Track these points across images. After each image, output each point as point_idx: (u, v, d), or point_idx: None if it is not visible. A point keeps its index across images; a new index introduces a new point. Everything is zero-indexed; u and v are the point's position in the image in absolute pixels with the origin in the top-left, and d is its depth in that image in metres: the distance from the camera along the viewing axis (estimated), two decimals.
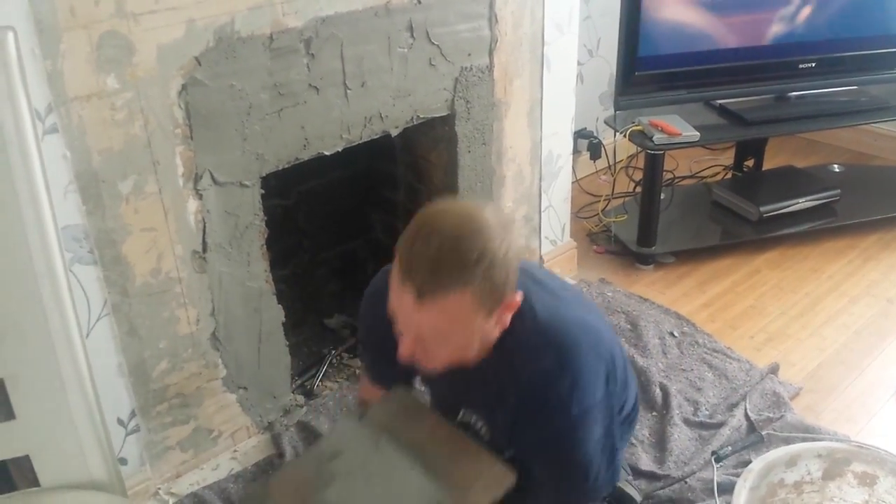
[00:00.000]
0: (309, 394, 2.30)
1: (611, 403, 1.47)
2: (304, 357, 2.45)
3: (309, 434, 2.15)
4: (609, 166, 3.40)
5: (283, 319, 2.09)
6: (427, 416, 1.53)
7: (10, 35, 1.21)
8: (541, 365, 1.37)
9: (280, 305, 2.07)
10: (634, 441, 2.10)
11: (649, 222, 2.93)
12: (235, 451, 2.12)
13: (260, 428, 2.16)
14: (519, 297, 1.35)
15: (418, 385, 1.72)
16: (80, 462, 1.40)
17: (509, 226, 1.32)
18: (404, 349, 1.32)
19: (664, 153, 2.84)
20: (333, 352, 2.46)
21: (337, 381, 2.37)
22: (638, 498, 1.89)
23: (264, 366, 2.09)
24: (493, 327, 1.35)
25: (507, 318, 1.36)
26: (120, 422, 1.87)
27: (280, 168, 1.93)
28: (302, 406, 2.23)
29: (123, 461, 1.90)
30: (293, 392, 2.24)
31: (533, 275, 1.48)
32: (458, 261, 1.22)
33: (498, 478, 1.38)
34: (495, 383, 1.44)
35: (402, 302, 1.26)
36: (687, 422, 2.20)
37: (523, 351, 1.39)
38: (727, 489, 1.92)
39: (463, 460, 1.40)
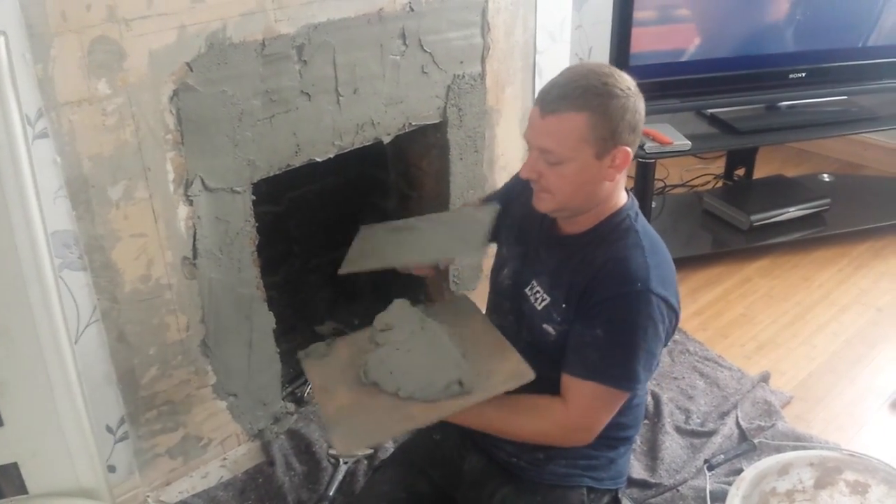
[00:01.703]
0: (299, 401, 2.29)
1: (671, 328, 1.52)
2: (295, 364, 2.42)
3: (299, 442, 2.14)
4: None
5: (274, 326, 2.08)
6: (476, 318, 1.65)
7: (1, 39, 1.21)
8: (626, 253, 1.47)
9: (271, 312, 2.06)
10: None
11: None
12: (225, 458, 2.10)
13: (250, 435, 2.15)
14: (629, 154, 1.44)
15: (504, 251, 1.75)
16: (69, 469, 1.39)
17: (638, 93, 1.45)
18: (528, 165, 1.48)
19: (655, 162, 2.84)
20: None
21: None
22: None
23: (254, 373, 2.08)
24: (601, 173, 1.45)
25: (616, 174, 1.46)
26: (109, 429, 1.86)
27: (271, 174, 1.92)
28: (292, 413, 2.22)
29: (112, 468, 1.89)
30: (283, 399, 2.23)
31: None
32: (583, 87, 1.40)
33: (518, 373, 1.46)
34: (576, 260, 1.51)
35: (532, 122, 1.46)
36: (678, 430, 2.20)
37: (615, 239, 1.49)
38: (719, 497, 1.92)
39: (494, 354, 1.52)
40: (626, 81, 1.44)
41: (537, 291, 1.56)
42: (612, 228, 1.50)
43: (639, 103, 1.45)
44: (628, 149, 1.44)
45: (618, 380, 1.45)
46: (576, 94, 1.40)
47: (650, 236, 1.52)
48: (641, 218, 1.54)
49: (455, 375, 1.44)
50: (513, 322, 1.63)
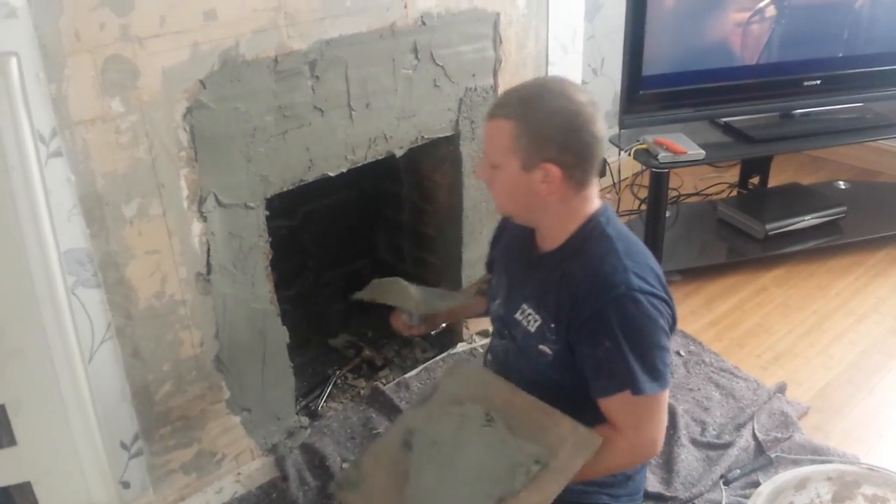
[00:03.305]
0: (313, 415, 2.29)
1: (669, 317, 1.50)
2: (309, 378, 2.44)
3: (313, 456, 2.14)
4: (614, 184, 3.39)
5: (288, 340, 2.08)
6: (500, 385, 1.57)
7: (13, 60, 1.22)
8: (602, 261, 1.47)
9: (284, 326, 2.06)
10: None
11: (655, 240, 2.92)
12: (239, 473, 2.10)
13: (264, 450, 2.14)
14: (557, 172, 1.43)
15: (494, 282, 1.77)
16: (82, 488, 1.39)
17: (586, 114, 1.42)
18: (480, 168, 1.54)
19: (669, 171, 2.83)
20: (338, 372, 2.46)
21: (341, 402, 2.36)
22: None
23: (268, 387, 2.08)
24: (532, 187, 1.45)
25: (550, 191, 1.45)
26: (123, 445, 1.86)
27: (285, 189, 1.93)
28: (306, 428, 2.22)
29: (126, 485, 1.89)
30: (297, 413, 2.23)
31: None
32: (517, 96, 1.45)
33: (585, 439, 1.42)
34: (556, 276, 1.52)
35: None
36: (694, 442, 2.18)
37: (589, 249, 1.50)
38: None
39: (547, 424, 1.45)
40: (571, 98, 1.42)
41: (528, 314, 1.57)
42: (585, 238, 1.51)
43: (579, 123, 1.42)
44: (555, 168, 1.42)
45: (646, 383, 1.44)
46: (510, 101, 1.45)
47: (624, 238, 1.52)
48: (614, 220, 1.55)
49: (527, 459, 1.38)
50: (515, 349, 1.64)
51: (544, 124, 1.41)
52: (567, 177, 1.44)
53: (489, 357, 1.80)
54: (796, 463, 2.03)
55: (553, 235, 1.54)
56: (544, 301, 1.53)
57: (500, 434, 1.44)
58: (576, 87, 1.47)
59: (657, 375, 1.45)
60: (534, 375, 1.57)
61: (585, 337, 1.47)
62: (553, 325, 1.51)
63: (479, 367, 1.68)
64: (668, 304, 1.50)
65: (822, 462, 1.99)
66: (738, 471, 2.05)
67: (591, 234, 1.51)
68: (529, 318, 1.56)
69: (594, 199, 1.53)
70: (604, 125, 1.46)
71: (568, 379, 1.53)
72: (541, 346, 1.54)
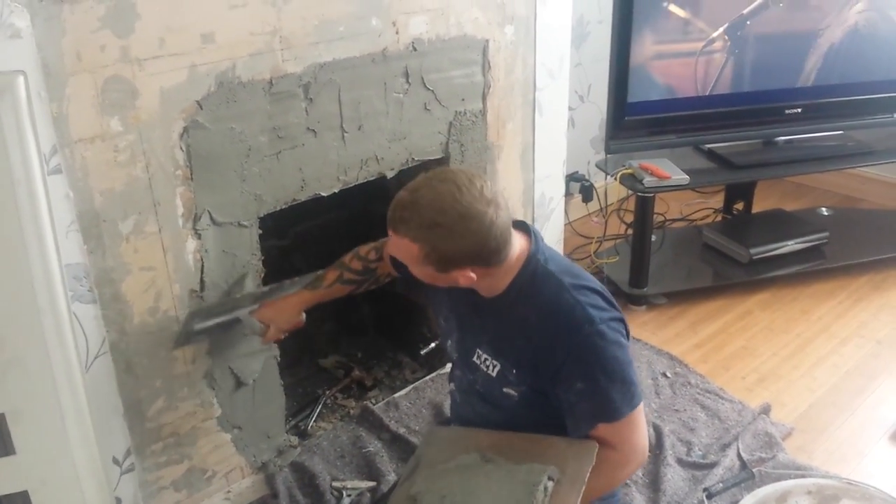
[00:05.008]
0: (303, 434, 2.31)
1: (624, 328, 1.55)
2: (299, 397, 2.46)
3: (303, 475, 2.15)
4: (601, 209, 3.44)
5: (278, 359, 2.10)
6: (480, 434, 1.60)
7: (21, 78, 1.26)
8: (557, 303, 1.50)
9: (275, 345, 2.08)
10: (628, 482, 2.10)
11: (641, 264, 2.97)
12: (229, 491, 2.11)
13: (254, 468, 2.15)
14: (473, 274, 1.46)
15: (443, 322, 1.77)
16: (78, 498, 1.41)
17: (491, 221, 1.41)
18: (390, 247, 1.52)
19: (654, 196, 2.89)
20: (328, 392, 2.47)
21: (331, 422, 2.37)
22: None
23: (259, 406, 2.10)
24: (454, 279, 1.48)
25: (470, 280, 1.48)
26: (115, 461, 1.87)
27: (278, 209, 1.96)
28: (296, 446, 2.24)
29: (118, 501, 1.89)
30: (287, 432, 2.24)
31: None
32: (417, 221, 1.41)
33: (583, 448, 1.46)
34: (509, 323, 1.55)
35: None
36: (680, 462, 2.21)
37: (536, 291, 1.52)
38: None
39: (540, 448, 1.49)
40: (471, 214, 1.39)
41: (486, 359, 1.60)
42: (528, 281, 1.53)
43: (483, 236, 1.41)
44: (471, 273, 1.46)
45: (622, 407, 1.50)
46: (411, 223, 1.42)
47: (565, 269, 1.55)
48: (547, 252, 1.57)
49: (540, 478, 1.41)
50: (478, 393, 1.67)
51: (450, 248, 1.42)
52: (485, 267, 1.47)
53: (452, 386, 1.81)
54: (778, 479, 2.06)
55: (491, 289, 1.55)
56: (501, 348, 1.57)
57: (505, 466, 1.47)
58: (470, 188, 1.41)
59: (632, 392, 1.50)
60: (504, 411, 1.61)
61: (558, 381, 1.50)
62: (515, 371, 1.55)
63: (452, 428, 1.72)
64: (621, 318, 1.55)
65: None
66: (721, 484, 2.07)
67: (533, 274, 1.52)
68: (488, 364, 1.59)
69: (518, 246, 1.52)
70: (505, 211, 1.46)
71: (537, 412, 1.57)
72: (505, 389, 1.58)
